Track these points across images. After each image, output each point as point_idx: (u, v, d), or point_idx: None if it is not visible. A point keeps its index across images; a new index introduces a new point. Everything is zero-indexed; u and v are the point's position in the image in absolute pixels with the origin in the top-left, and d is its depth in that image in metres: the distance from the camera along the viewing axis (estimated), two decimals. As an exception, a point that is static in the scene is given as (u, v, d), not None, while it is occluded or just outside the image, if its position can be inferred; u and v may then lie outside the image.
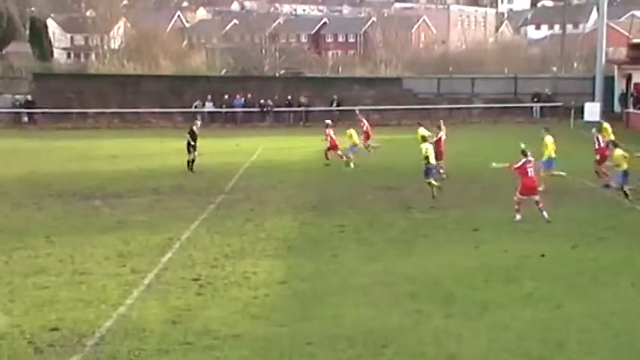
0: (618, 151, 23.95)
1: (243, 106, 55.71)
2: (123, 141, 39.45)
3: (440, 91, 58.72)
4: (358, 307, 13.90)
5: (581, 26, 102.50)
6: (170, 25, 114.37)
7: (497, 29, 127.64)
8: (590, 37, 74.79)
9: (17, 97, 56.13)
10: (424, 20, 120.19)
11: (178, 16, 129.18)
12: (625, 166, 23.53)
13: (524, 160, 21.31)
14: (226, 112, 55.71)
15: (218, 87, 56.87)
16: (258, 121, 55.41)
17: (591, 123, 50.16)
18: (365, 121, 36.35)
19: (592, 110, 52.42)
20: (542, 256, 17.35)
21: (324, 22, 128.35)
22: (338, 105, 55.19)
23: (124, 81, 59.15)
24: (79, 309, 13.77)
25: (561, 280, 15.50)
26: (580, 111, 52.34)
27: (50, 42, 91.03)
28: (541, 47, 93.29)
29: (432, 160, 25.00)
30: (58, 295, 14.62)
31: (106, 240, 19.28)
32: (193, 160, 31.24)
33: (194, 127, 31.93)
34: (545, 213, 20.82)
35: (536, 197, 21.15)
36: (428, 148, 25.08)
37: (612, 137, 28.18)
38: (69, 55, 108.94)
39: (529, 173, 21.15)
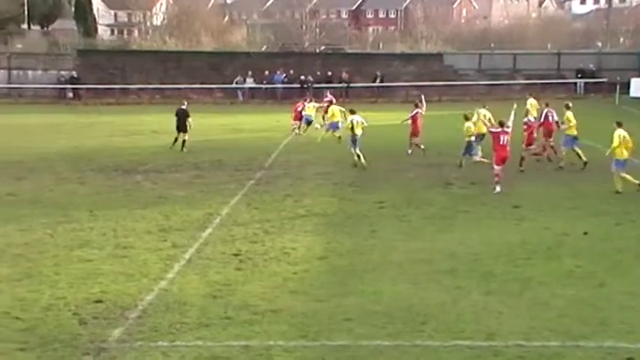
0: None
1: (284, 82, 55.67)
2: (164, 116, 39.62)
3: (481, 67, 58.11)
4: (397, 284, 13.90)
5: (627, 0, 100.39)
6: (211, 1, 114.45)
7: (540, 4, 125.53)
8: (637, 10, 73.42)
9: (62, 73, 56.88)
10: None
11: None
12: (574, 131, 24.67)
13: (499, 129, 22.08)
14: (266, 89, 55.72)
15: (258, 63, 56.89)
16: (299, 97, 55.35)
17: (638, 99, 49.55)
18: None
19: (638, 86, 51.56)
20: (585, 233, 17.17)
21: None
22: (382, 81, 54.91)
23: (166, 57, 59.44)
24: (121, 282, 13.97)
25: (603, 258, 15.33)
26: (626, 87, 51.46)
27: (94, 19, 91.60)
28: (586, 22, 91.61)
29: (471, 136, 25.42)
30: (101, 268, 14.84)
31: (148, 214, 19.49)
32: (184, 141, 30.52)
33: (183, 107, 31.30)
34: (498, 187, 21.33)
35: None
36: (470, 127, 25.18)
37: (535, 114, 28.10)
38: (112, 32, 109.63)
39: (501, 141, 21.77)
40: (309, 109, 35.08)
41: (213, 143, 32.77)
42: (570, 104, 25.99)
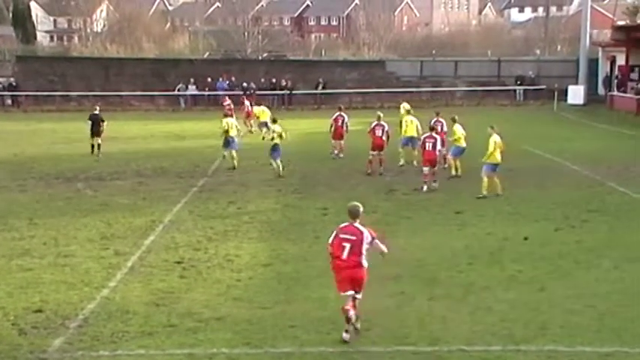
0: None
1: (226, 89, 55.46)
2: (105, 124, 39.16)
3: (423, 73, 58.74)
4: (341, 290, 13.91)
5: (565, 8, 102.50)
6: (153, 8, 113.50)
7: (480, 12, 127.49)
8: (574, 19, 74.89)
9: (0, 80, 55.77)
10: (407, 2, 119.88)
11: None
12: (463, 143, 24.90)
13: (427, 134, 23.43)
14: (209, 96, 55.45)
15: (201, 70, 56.60)
16: (241, 104, 55.13)
17: (575, 106, 50.60)
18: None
19: (576, 93, 52.68)
20: (526, 238, 17.44)
21: (307, 5, 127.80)
22: (324, 87, 55.11)
23: (107, 64, 58.78)
24: (62, 291, 13.74)
25: (544, 263, 15.59)
26: (564, 93, 52.53)
27: (33, 25, 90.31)
28: (524, 30, 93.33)
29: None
30: (41, 277, 14.58)
31: (89, 222, 19.22)
32: (99, 145, 31.18)
33: (96, 112, 32.02)
34: (425, 187, 22.45)
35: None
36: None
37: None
38: (52, 38, 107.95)
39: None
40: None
41: (155, 151, 32.49)
42: (456, 117, 26.18)
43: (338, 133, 29.65)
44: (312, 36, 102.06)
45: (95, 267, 15.30)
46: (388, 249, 12.23)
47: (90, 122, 31.54)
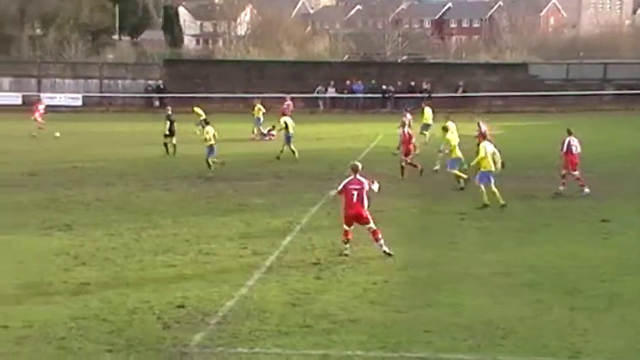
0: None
1: (364, 92, 55.72)
2: (245, 125, 40.17)
3: (568, 76, 56.95)
4: (477, 296, 13.73)
5: None
6: (294, 11, 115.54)
7: (634, 11, 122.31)
8: None
9: (150, 82, 58.38)
10: (554, 3, 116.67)
11: (303, 2, 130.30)
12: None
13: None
14: (347, 98, 55.85)
15: (340, 72, 57.09)
16: (380, 107, 55.33)
17: None
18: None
19: None
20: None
21: (448, 7, 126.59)
22: (464, 91, 54.44)
23: (249, 66, 60.27)
24: (203, 288, 14.18)
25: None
26: None
27: (181, 29, 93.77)
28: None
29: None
30: (184, 274, 15.11)
31: (229, 222, 19.75)
32: (174, 145, 32.09)
33: (170, 113, 33.20)
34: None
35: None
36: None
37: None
38: (198, 42, 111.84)
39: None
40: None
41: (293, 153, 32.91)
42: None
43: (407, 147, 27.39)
44: (453, 39, 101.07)
45: (234, 265, 15.72)
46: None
47: (168, 123, 32.40)
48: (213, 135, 28.15)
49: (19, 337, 11.67)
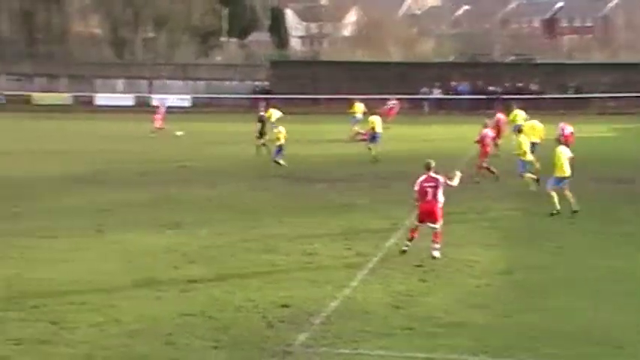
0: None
1: (470, 93, 55.06)
2: (349, 126, 40.32)
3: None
4: (586, 302, 13.37)
5: None
6: (401, 12, 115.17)
7: None
8: None
9: (256, 83, 59.38)
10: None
11: (409, 2, 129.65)
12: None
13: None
14: (453, 99, 55.34)
15: (445, 73, 56.62)
16: (486, 109, 54.51)
17: None
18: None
19: None
20: None
21: (560, 6, 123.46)
22: (575, 92, 53.04)
23: (354, 68, 60.51)
24: (306, 288, 14.32)
25: None
26: None
27: (287, 30, 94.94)
28: None
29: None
30: (287, 274, 15.30)
31: (332, 222, 19.88)
32: (264, 145, 32.06)
33: (262, 114, 33.61)
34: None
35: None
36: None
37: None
38: (304, 43, 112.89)
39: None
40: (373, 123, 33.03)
41: (397, 154, 32.87)
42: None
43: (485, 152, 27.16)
44: (564, 38, 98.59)
45: (337, 266, 15.81)
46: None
47: (259, 124, 32.70)
48: (284, 136, 28.89)
49: (130, 330, 12.07)
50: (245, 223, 19.83)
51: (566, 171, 20.45)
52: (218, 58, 75.74)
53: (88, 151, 35.29)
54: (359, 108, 39.36)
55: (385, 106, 43.20)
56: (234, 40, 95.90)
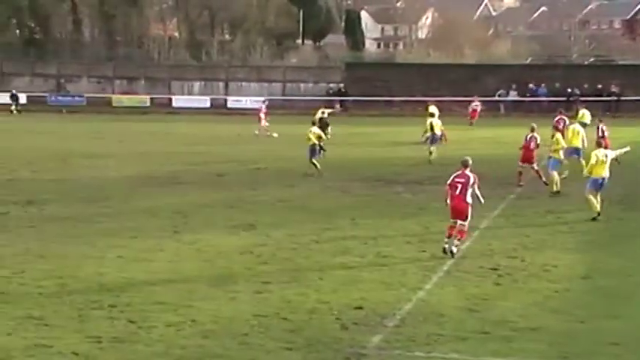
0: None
1: (548, 96, 54.11)
2: (424, 129, 40.09)
3: None
4: (669, 310, 13.01)
5: None
6: (477, 13, 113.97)
7: None
8: None
9: (331, 85, 59.59)
10: None
11: (485, 4, 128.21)
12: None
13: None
14: (530, 101, 54.47)
15: (522, 75, 55.81)
16: (565, 110, 53.41)
17: None
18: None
19: None
20: None
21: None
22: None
23: (428, 70, 60.11)
24: (380, 290, 14.28)
25: None
26: None
27: (362, 33, 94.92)
28: None
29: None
30: (361, 276, 15.27)
31: (407, 225, 19.79)
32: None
33: (325, 116, 33.87)
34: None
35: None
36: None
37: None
38: (379, 45, 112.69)
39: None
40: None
41: (473, 156, 32.28)
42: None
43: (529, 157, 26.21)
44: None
45: (412, 269, 15.72)
46: None
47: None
48: (319, 136, 28.57)
49: (206, 330, 12.22)
50: (319, 224, 19.88)
51: (604, 172, 20.01)
52: (293, 61, 76.21)
53: (166, 152, 35.92)
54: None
55: (468, 108, 42.74)
56: (309, 42, 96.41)
